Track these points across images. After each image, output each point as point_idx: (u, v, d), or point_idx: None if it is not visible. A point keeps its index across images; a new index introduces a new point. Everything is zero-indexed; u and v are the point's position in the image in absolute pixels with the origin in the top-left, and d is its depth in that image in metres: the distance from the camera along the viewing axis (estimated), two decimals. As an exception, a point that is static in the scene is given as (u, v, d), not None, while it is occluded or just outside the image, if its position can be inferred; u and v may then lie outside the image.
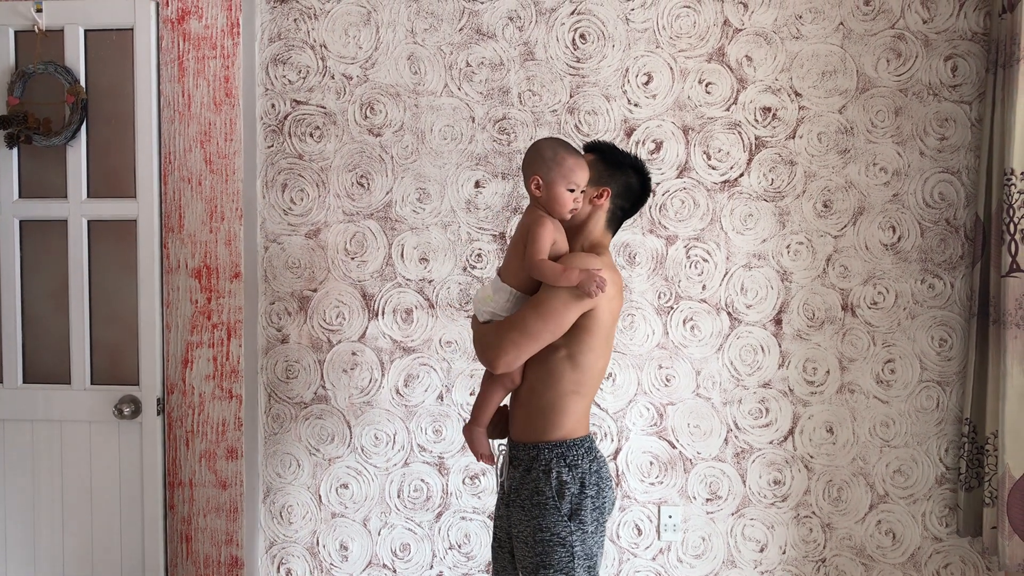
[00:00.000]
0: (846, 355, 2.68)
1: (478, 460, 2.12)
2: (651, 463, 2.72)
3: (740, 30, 2.65)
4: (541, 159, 1.92)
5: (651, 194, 2.10)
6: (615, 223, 2.06)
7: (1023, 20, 2.42)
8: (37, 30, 2.57)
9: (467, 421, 2.12)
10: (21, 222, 2.64)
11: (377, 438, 2.75)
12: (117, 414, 2.58)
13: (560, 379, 1.95)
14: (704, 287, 2.69)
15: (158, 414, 2.61)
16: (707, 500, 2.72)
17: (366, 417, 2.75)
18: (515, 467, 2.01)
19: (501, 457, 2.08)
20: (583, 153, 2.04)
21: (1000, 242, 2.47)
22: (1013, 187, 2.44)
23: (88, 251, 2.62)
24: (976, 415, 2.59)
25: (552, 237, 1.91)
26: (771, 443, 2.70)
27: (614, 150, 2.06)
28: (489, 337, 1.94)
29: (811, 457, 2.70)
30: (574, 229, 2.03)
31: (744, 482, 2.71)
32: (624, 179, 2.02)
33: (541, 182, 1.92)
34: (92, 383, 2.64)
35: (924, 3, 2.62)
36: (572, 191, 1.90)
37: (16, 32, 2.60)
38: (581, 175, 1.92)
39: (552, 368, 1.94)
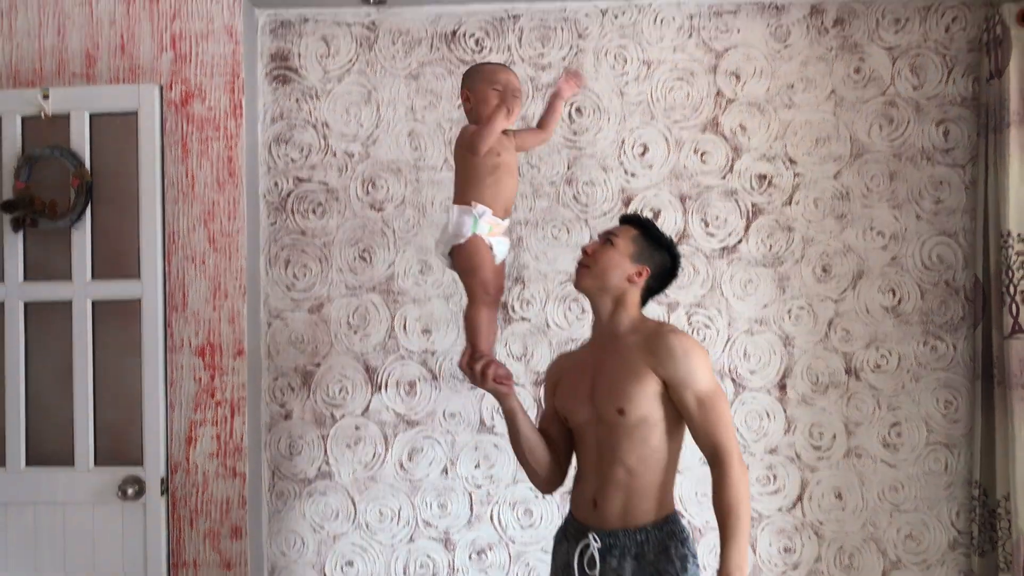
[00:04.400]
0: (852, 419, 2.67)
1: (496, 384, 2.00)
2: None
3: (733, 100, 2.70)
4: (466, 78, 2.11)
5: (677, 277, 2.13)
6: (645, 299, 2.08)
7: (1011, 86, 2.47)
8: (44, 116, 2.61)
9: (467, 357, 2.02)
10: (26, 304, 2.66)
11: (382, 514, 2.73)
12: (121, 495, 2.56)
13: (662, 457, 1.94)
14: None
15: (162, 494, 2.59)
16: (718, 571, 2.67)
17: (370, 492, 2.73)
18: (619, 557, 1.94)
19: (589, 550, 1.97)
20: (621, 224, 2.12)
21: (1001, 304, 2.48)
22: (1011, 249, 2.47)
23: (92, 332, 2.63)
24: (986, 478, 2.57)
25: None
26: (780, 510, 2.68)
27: (654, 226, 2.08)
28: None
29: (821, 523, 2.67)
30: (613, 302, 2.03)
31: (754, 551, 2.67)
32: (661, 260, 2.05)
33: (469, 93, 2.07)
34: (96, 464, 2.62)
35: (913, 70, 2.67)
36: (497, 90, 2.03)
37: (23, 118, 2.65)
38: (504, 76, 2.06)
39: (656, 446, 1.93)
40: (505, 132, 2.05)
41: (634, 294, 2.03)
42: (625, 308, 2.03)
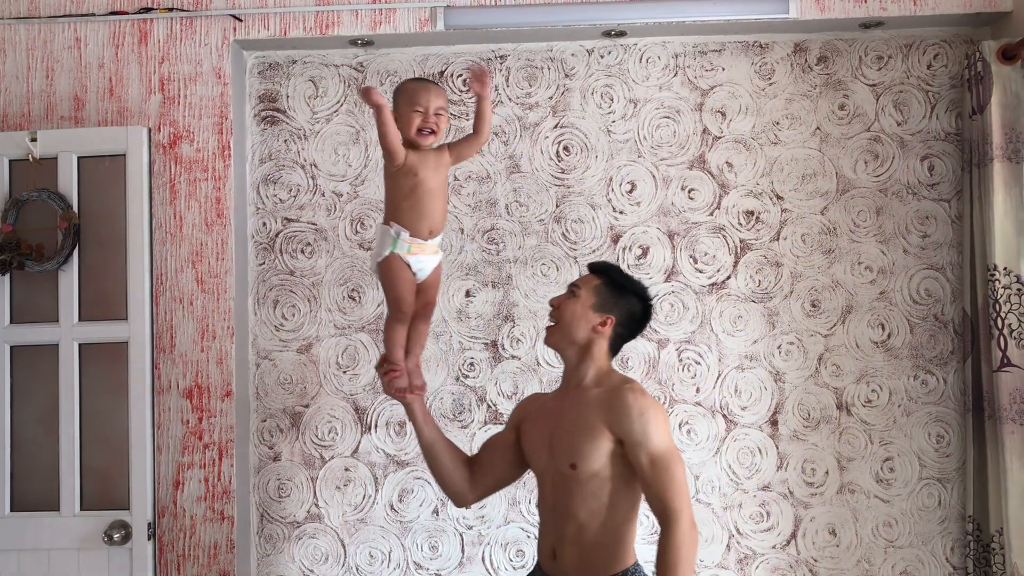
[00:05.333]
0: (844, 455, 2.66)
1: (406, 396, 2.09)
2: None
3: (719, 137, 2.71)
4: (394, 96, 2.09)
5: (650, 320, 2.12)
6: (616, 348, 2.06)
7: (993, 121, 2.49)
8: (31, 159, 2.62)
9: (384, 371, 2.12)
10: (12, 347, 2.63)
11: (372, 556, 2.70)
12: (107, 540, 2.53)
13: (617, 510, 1.90)
14: (698, 390, 2.69)
15: (148, 539, 2.56)
16: (710, 610, 2.65)
17: (360, 534, 2.70)
18: None
19: None
20: (590, 272, 2.10)
21: (989, 337, 2.49)
22: (997, 282, 2.48)
23: (79, 374, 2.61)
24: (979, 512, 2.56)
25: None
26: (774, 548, 2.66)
27: (620, 273, 2.07)
28: None
29: (815, 561, 2.65)
30: (579, 353, 2.02)
31: (749, 589, 2.65)
32: (627, 306, 2.03)
33: (397, 115, 2.05)
34: (81, 509, 2.59)
35: (897, 107, 2.70)
36: (419, 112, 2.01)
37: (11, 161, 2.65)
38: (424, 97, 2.01)
39: (607, 502, 1.89)
40: (433, 150, 2.07)
41: (600, 344, 2.02)
42: (592, 358, 2.02)
